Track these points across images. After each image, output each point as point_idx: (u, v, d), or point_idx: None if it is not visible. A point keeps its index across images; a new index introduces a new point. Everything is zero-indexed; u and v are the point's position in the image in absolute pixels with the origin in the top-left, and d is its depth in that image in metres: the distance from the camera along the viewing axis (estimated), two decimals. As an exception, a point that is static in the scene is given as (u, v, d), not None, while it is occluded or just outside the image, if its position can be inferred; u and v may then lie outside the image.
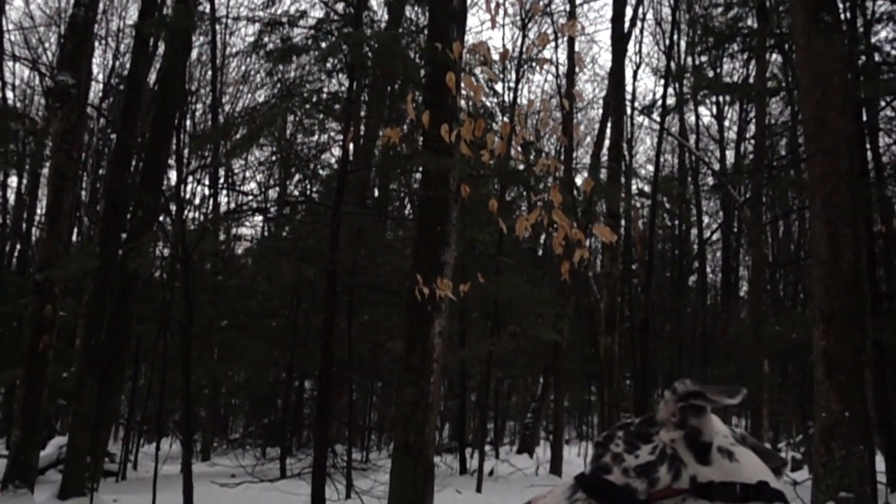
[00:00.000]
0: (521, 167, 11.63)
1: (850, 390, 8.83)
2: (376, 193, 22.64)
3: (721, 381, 25.99)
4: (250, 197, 18.59)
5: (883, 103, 19.16)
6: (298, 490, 11.76)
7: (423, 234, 8.41)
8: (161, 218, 14.47)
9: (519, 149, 10.56)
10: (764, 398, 21.98)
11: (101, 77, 26.00)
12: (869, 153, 19.50)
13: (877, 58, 16.31)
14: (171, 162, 17.20)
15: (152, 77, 19.38)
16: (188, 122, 24.08)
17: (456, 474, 19.21)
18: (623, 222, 13.23)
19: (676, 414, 1.42)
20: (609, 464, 1.46)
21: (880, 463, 16.34)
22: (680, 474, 1.39)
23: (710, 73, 23.87)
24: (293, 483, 14.18)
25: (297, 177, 18.80)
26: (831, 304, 9.14)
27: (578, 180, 11.07)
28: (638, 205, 16.47)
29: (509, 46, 25.19)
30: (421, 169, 9.12)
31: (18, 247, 27.42)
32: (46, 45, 28.69)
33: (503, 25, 26.76)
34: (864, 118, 19.01)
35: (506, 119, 20.50)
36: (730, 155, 29.88)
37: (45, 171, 19.97)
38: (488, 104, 22.09)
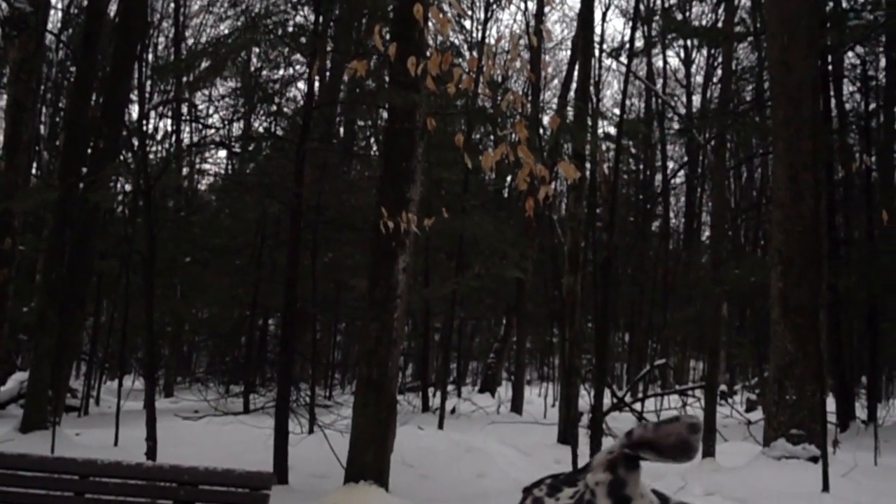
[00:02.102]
0: (489, 105, 11.59)
1: (804, 331, 9.05)
2: (342, 132, 22.46)
3: (680, 323, 26.42)
4: (213, 130, 18.33)
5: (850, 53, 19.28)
6: (262, 424, 11.84)
7: (388, 170, 8.38)
8: (123, 153, 14.25)
9: (486, 89, 10.52)
10: (721, 341, 22.42)
11: (59, 5, 25.30)
12: (833, 101, 19.68)
13: (844, 4, 16.35)
14: (133, 96, 16.93)
15: (113, 7, 18.90)
16: (150, 55, 23.60)
17: (418, 412, 19.46)
18: (588, 165, 13.25)
19: (614, 456, 1.39)
20: None
21: (832, 404, 16.84)
22: None
23: (679, 17, 23.81)
24: (257, 417, 14.26)
25: (261, 113, 18.58)
26: (790, 247, 9.32)
27: (545, 120, 11.06)
28: (604, 147, 16.51)
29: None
30: (387, 105, 9.05)
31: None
32: (2, -29, 27.77)
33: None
34: (830, 66, 19.14)
35: (474, 54, 20.34)
36: (696, 100, 30.00)
37: (3, 102, 19.52)
38: (456, 41, 21.88)
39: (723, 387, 24.31)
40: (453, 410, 19.53)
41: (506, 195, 27.65)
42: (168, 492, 4.79)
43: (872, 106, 20.61)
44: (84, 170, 12.92)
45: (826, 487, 7.47)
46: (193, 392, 23.95)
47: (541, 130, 10.49)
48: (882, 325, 19.78)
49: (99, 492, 4.84)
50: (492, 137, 17.23)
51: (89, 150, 13.87)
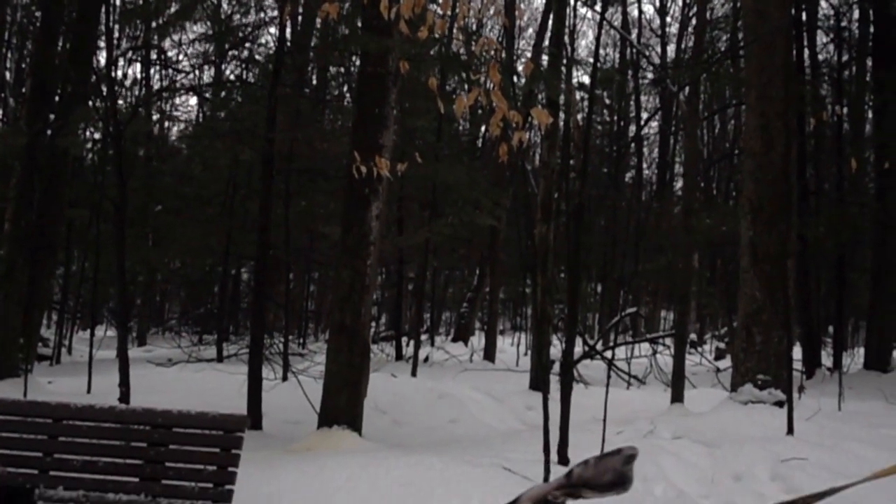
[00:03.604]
0: (463, 53, 11.50)
1: (773, 278, 9.17)
2: (315, 81, 22.21)
3: (652, 273, 26.64)
4: (183, 75, 18.04)
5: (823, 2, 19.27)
6: (236, 371, 11.89)
7: (361, 116, 8.33)
8: (91, 100, 14.02)
9: (460, 34, 10.45)
10: (692, 291, 22.66)
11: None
12: (806, 51, 19.71)
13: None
14: (101, 42, 16.60)
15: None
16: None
17: (392, 361, 19.57)
18: (562, 115, 13.21)
19: (557, 492, 1.42)
20: None
21: (798, 352, 17.14)
22: None
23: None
24: (230, 365, 14.31)
25: (232, 59, 18.30)
26: (760, 195, 9.40)
27: (519, 67, 10.98)
28: (578, 96, 16.47)
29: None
30: (360, 50, 8.95)
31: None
32: (-37, -88, 26.95)
33: None
34: (804, 16, 19.14)
35: None
36: (671, 51, 29.94)
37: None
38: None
39: (693, 336, 24.66)
40: (426, 359, 19.67)
41: (479, 145, 27.58)
42: (142, 434, 4.81)
43: (845, 58, 20.66)
44: (52, 116, 12.73)
45: (790, 430, 7.64)
46: (167, 340, 23.93)
47: (514, 78, 10.43)
48: (849, 276, 20.07)
49: (72, 435, 4.85)
50: (466, 87, 17.13)
51: (57, 97, 13.63)
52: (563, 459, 6.45)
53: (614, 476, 1.38)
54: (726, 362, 17.92)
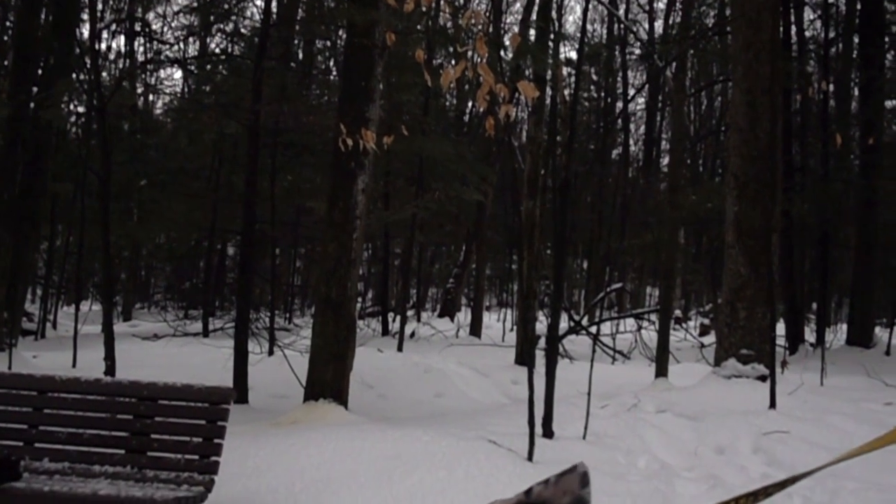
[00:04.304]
0: (450, 26, 11.44)
1: (757, 254, 9.22)
2: (301, 56, 22.07)
3: (637, 249, 26.74)
4: (167, 46, 17.86)
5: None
6: (222, 345, 11.89)
7: (347, 90, 8.29)
8: (75, 73, 13.89)
9: (447, 9, 10.39)
10: (678, 268, 22.77)
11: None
12: (793, 27, 19.70)
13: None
14: (85, 15, 16.41)
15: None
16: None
17: (378, 336, 19.61)
18: (549, 91, 13.20)
19: None
20: None
21: (782, 328, 17.28)
22: None
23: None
24: (216, 339, 14.31)
25: (218, 34, 18.15)
26: (745, 171, 9.43)
27: (507, 41, 10.93)
28: (565, 72, 16.44)
29: None
30: (347, 23, 8.89)
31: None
32: None
33: None
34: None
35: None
36: (658, 26, 29.86)
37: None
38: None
39: (678, 312, 24.78)
40: (413, 334, 19.71)
41: (466, 120, 27.53)
42: (128, 407, 4.81)
43: (832, 34, 20.66)
44: (35, 89, 12.61)
45: (773, 404, 7.71)
46: (152, 315, 23.88)
47: (502, 52, 10.39)
48: (833, 252, 20.19)
49: (58, 407, 4.85)
50: (453, 62, 17.07)
51: (40, 70, 13.50)
52: (548, 432, 6.49)
53: (572, 499, 1.41)
54: (711, 338, 18.03)
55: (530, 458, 5.71)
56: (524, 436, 5.80)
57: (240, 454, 5.50)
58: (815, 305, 21.12)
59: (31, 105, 12.27)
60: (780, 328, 16.05)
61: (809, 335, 18.83)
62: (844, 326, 19.16)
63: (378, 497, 5.00)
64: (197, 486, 4.47)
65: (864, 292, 17.38)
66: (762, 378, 8.59)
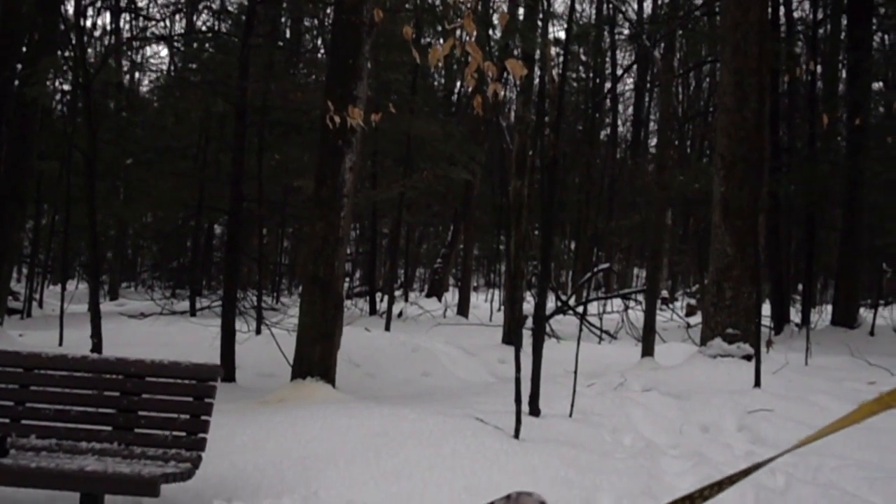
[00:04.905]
0: (437, 2, 11.38)
1: (744, 234, 9.26)
2: (288, 34, 21.93)
3: (625, 230, 26.81)
4: (153, 22, 17.70)
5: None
6: (209, 324, 11.87)
7: (335, 67, 8.25)
8: (60, 49, 13.77)
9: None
10: (665, 248, 22.84)
11: None
12: (782, 9, 19.71)
13: None
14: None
15: None
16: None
17: (366, 316, 19.63)
18: (538, 71, 13.17)
19: None
20: None
21: (768, 308, 17.38)
22: None
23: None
24: (203, 318, 14.28)
25: (204, 11, 18.02)
26: (733, 151, 9.45)
27: (495, 19, 10.89)
28: (553, 51, 16.39)
29: None
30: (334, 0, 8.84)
31: None
32: None
33: None
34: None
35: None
36: (647, 6, 29.80)
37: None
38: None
39: (664, 292, 24.89)
40: (400, 314, 19.74)
41: (454, 100, 27.45)
42: (115, 384, 4.81)
43: (820, 15, 20.68)
44: (19, 66, 12.49)
45: (758, 383, 7.77)
46: (139, 294, 23.81)
47: (490, 31, 10.36)
48: (819, 233, 20.31)
49: (44, 384, 4.84)
50: (441, 41, 16.99)
51: (24, 47, 13.37)
52: (535, 410, 6.53)
53: None
54: (697, 318, 18.12)
55: (517, 435, 5.74)
56: (511, 414, 5.83)
57: (227, 431, 5.51)
58: (800, 286, 21.26)
59: (16, 82, 12.17)
60: (766, 308, 16.14)
61: (795, 315, 18.97)
62: (829, 307, 19.31)
63: (365, 474, 5.03)
64: (184, 463, 4.48)
65: (849, 273, 17.51)
66: (747, 357, 8.65)
